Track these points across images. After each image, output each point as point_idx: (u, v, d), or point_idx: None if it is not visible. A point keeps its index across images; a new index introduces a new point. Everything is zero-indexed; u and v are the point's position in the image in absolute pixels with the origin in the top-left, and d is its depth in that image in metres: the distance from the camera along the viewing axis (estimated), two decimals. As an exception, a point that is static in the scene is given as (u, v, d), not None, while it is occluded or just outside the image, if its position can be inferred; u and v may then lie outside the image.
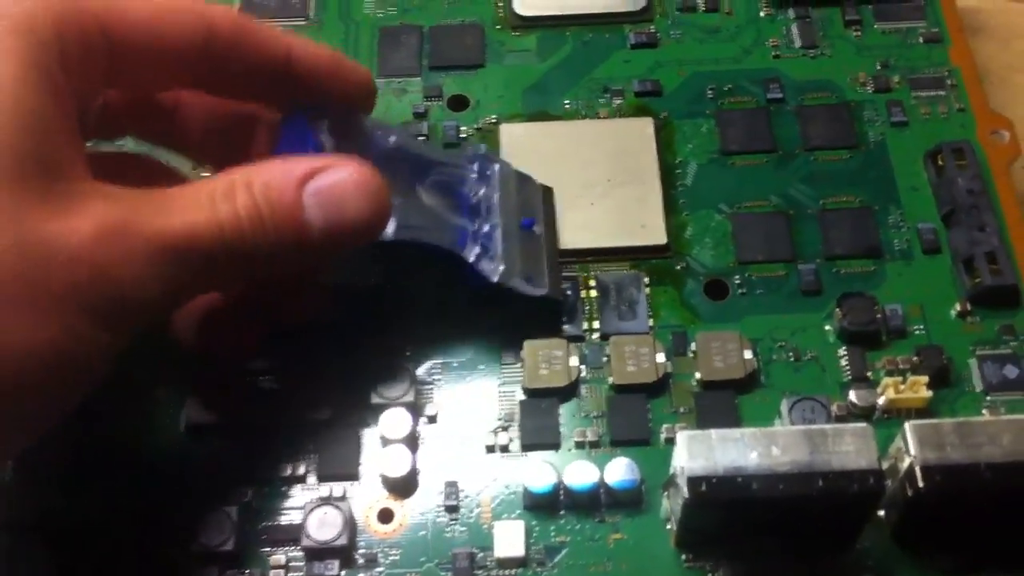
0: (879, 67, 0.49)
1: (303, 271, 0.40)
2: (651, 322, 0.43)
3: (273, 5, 0.52)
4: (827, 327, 0.42)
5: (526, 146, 0.47)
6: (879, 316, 0.42)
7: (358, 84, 0.41)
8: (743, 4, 0.51)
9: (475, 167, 0.44)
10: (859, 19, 0.50)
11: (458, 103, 0.49)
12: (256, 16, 0.50)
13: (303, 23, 0.52)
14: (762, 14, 0.51)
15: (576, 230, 0.45)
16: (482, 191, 0.44)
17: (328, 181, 0.35)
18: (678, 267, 0.44)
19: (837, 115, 0.47)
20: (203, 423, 0.40)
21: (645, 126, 0.47)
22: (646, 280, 0.44)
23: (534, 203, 0.45)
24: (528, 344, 0.42)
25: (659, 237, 0.44)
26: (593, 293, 0.44)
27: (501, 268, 0.41)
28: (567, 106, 0.48)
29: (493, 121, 0.48)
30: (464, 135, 0.48)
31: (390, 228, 0.39)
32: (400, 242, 0.39)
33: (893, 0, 0.51)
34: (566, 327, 0.43)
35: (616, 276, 0.44)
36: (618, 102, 0.48)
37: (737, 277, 0.44)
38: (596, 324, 0.43)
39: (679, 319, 0.43)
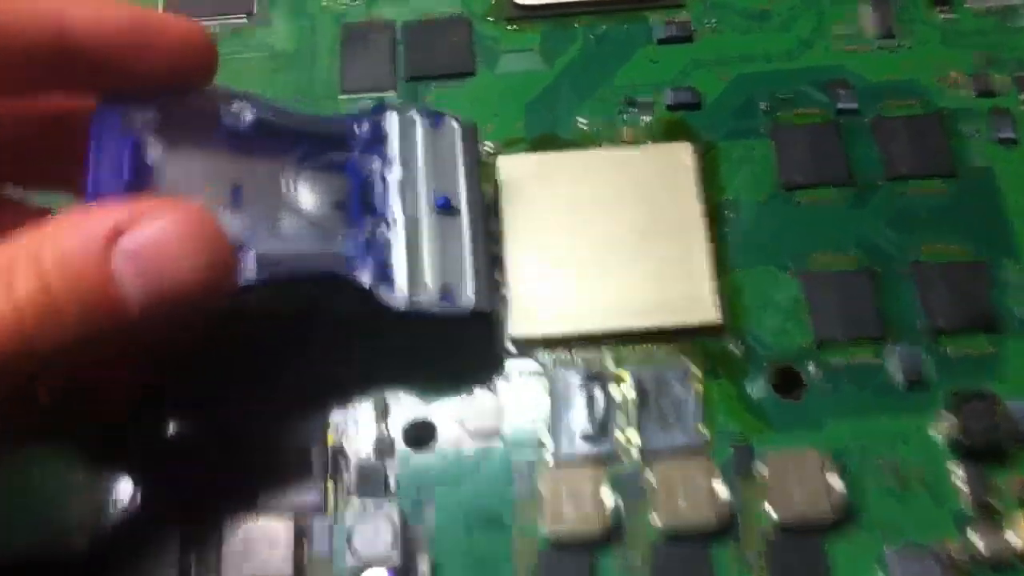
0: (977, 62, 0.36)
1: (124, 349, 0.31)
2: (704, 429, 0.30)
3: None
4: (934, 433, 0.30)
5: (531, 186, 0.36)
6: (1004, 419, 0.30)
7: (183, 49, 0.31)
8: (796, -21, 0.38)
9: (365, 129, 0.33)
10: (948, -4, 0.37)
11: (442, 127, 0.36)
12: (187, 13, 0.38)
13: (244, 21, 0.39)
14: (823, -8, 0.38)
15: (600, 305, 0.34)
16: (375, 165, 0.33)
17: (143, 238, 0.26)
18: (736, 350, 0.32)
19: (926, 130, 0.36)
20: None
21: (683, 154, 0.35)
22: (695, 371, 0.31)
23: (450, 159, 0.34)
24: (546, 477, 0.32)
25: (709, 311, 0.33)
26: (628, 393, 0.32)
27: (404, 295, 0.31)
28: (582, 125, 0.37)
29: (489, 150, 0.35)
30: None
31: (250, 264, 0.29)
32: (266, 282, 0.29)
33: (991, -31, 0.37)
34: (595, 448, 0.31)
35: (656, 368, 0.34)
36: (646, 119, 0.36)
37: (812, 363, 0.33)
38: (633, 436, 0.30)
39: (741, 425, 0.32)
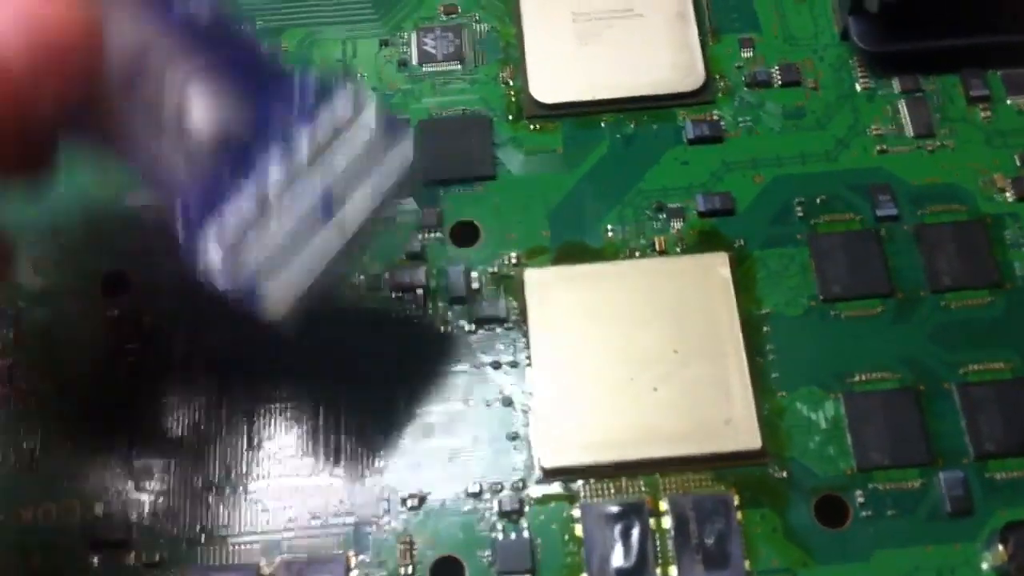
0: (1019, 163, 0.39)
1: None
2: (747, 565, 0.33)
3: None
4: (984, 565, 0.33)
5: (559, 300, 0.39)
6: (1057, 552, 0.33)
7: None
8: (831, 74, 0.41)
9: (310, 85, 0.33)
10: (987, 93, 0.41)
11: (465, 234, 0.40)
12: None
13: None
14: (858, 87, 0.41)
15: (634, 431, 0.37)
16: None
17: None
18: (778, 477, 0.36)
19: (970, 237, 0.39)
20: None
21: (718, 265, 0.38)
22: (736, 500, 0.34)
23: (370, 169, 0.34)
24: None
25: (750, 437, 0.35)
26: (665, 523, 0.35)
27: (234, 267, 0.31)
28: (610, 234, 0.39)
29: (514, 261, 0.38)
30: (476, 285, 0.37)
31: None
32: None
33: (1027, 61, 0.40)
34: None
35: (696, 498, 0.36)
36: (678, 225, 0.38)
37: (859, 492, 0.36)
38: (673, 572, 0.33)
39: (785, 559, 0.35)
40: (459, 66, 0.43)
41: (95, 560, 0.36)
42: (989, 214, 0.39)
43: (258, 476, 0.37)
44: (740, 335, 0.37)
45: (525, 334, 0.38)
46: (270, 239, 0.32)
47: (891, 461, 0.36)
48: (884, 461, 0.36)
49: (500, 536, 0.36)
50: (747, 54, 0.43)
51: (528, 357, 0.38)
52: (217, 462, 0.37)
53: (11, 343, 0.38)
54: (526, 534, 0.36)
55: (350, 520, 0.36)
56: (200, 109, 0.32)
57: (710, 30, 0.43)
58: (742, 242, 0.40)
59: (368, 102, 0.34)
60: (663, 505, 0.36)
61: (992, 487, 0.36)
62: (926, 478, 0.36)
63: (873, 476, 0.36)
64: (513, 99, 0.42)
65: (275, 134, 0.33)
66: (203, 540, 0.36)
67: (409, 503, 0.36)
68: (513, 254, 0.40)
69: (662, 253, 0.40)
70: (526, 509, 0.36)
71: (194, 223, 0.32)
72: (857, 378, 0.38)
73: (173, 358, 0.38)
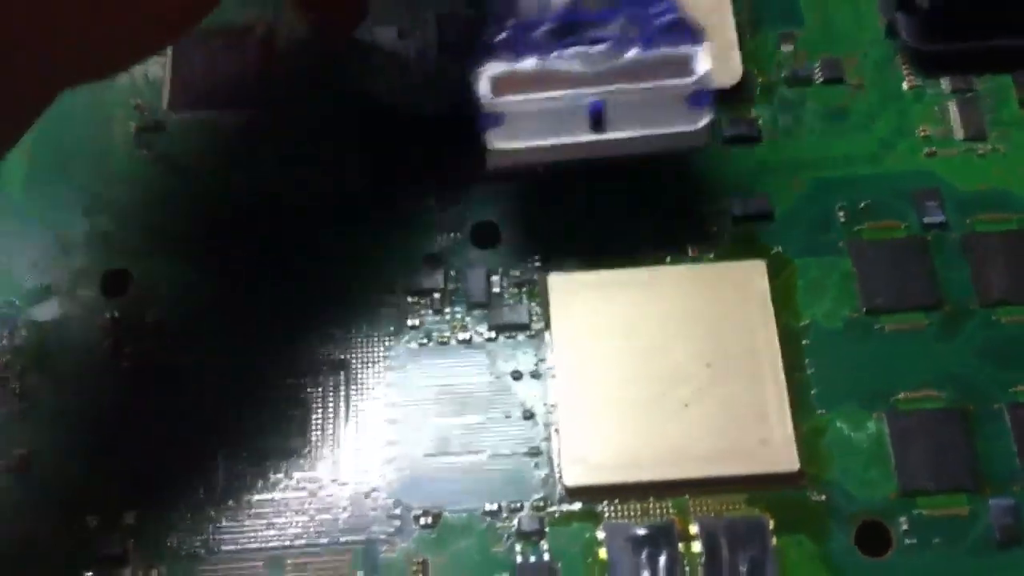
0: None
1: None
2: None
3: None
4: None
5: (585, 309, 0.37)
6: (1115, 588, 0.30)
7: None
8: (876, 72, 0.39)
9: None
10: (1041, 93, 0.37)
11: (485, 235, 0.39)
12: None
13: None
14: (905, 86, 0.39)
15: (664, 450, 0.35)
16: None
17: None
18: (816, 501, 0.34)
19: (1022, 247, 0.35)
20: None
21: (755, 273, 0.36)
22: (771, 525, 0.33)
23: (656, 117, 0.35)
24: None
25: (787, 459, 0.34)
26: (695, 548, 0.33)
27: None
28: (640, 237, 0.36)
29: (537, 264, 0.37)
30: (497, 289, 0.36)
31: None
32: None
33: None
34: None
35: (728, 522, 0.34)
36: (712, 230, 0.35)
37: (902, 518, 0.34)
38: None
39: (821, 588, 0.31)
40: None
41: (89, 576, 0.32)
42: (1043, 223, 0.36)
43: (263, 489, 0.34)
44: (777, 348, 0.35)
45: (548, 343, 0.36)
46: (534, 106, 0.34)
47: (936, 486, 0.34)
48: (929, 486, 0.34)
49: (519, 558, 0.34)
50: (787, 49, 0.40)
51: (551, 367, 0.36)
52: (221, 473, 0.34)
53: (5, 344, 0.35)
54: (546, 556, 0.34)
55: (359, 538, 0.34)
56: None
57: (748, 23, 0.41)
58: (780, 249, 0.37)
59: (704, 66, 0.34)
60: (693, 528, 0.34)
61: (1045, 515, 0.33)
62: (974, 505, 0.34)
63: (917, 502, 0.34)
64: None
65: (610, 33, 0.34)
66: (204, 555, 0.33)
67: (422, 521, 0.34)
68: (536, 259, 0.38)
69: (695, 259, 0.37)
70: (547, 530, 0.34)
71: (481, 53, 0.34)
72: (901, 396, 0.35)
73: (176, 362, 0.36)
